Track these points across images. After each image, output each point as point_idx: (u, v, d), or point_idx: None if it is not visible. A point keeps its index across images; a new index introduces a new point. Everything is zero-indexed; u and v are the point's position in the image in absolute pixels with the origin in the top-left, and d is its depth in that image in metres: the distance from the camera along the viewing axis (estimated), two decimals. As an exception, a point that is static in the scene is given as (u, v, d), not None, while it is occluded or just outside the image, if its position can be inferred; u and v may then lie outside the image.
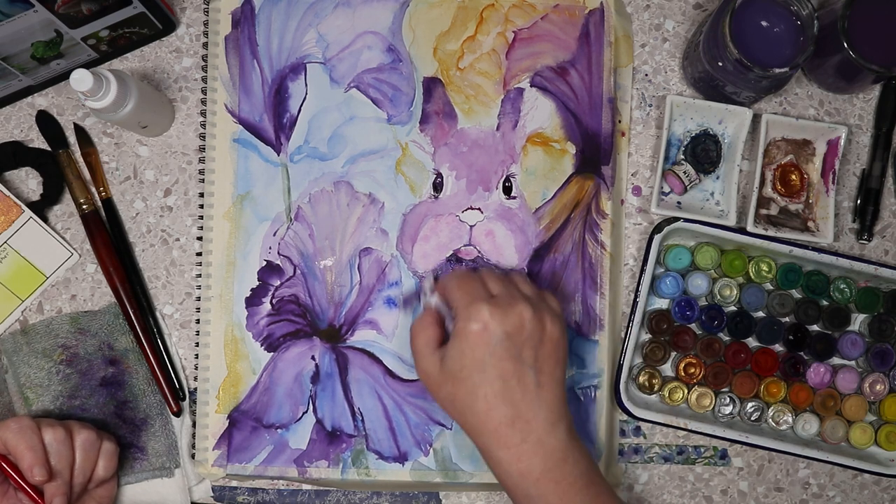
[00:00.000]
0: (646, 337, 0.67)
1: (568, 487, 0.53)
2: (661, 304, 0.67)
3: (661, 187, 0.67)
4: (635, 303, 0.65)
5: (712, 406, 0.66)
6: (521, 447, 0.53)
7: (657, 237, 0.64)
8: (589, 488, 0.54)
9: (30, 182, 0.66)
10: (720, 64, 0.61)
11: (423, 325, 0.57)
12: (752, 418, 0.66)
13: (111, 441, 0.60)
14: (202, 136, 0.65)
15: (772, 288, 0.67)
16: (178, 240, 0.66)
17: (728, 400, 0.66)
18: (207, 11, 0.66)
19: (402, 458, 0.64)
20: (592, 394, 0.65)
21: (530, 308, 0.54)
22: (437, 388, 0.55)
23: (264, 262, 0.64)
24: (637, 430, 0.67)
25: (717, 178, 0.67)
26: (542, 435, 0.53)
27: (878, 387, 0.67)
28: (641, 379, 0.66)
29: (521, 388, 0.53)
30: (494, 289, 0.56)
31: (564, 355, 0.56)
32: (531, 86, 0.66)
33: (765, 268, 0.66)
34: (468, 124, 0.66)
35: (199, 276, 0.65)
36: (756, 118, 0.66)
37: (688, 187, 0.67)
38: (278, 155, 0.65)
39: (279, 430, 0.64)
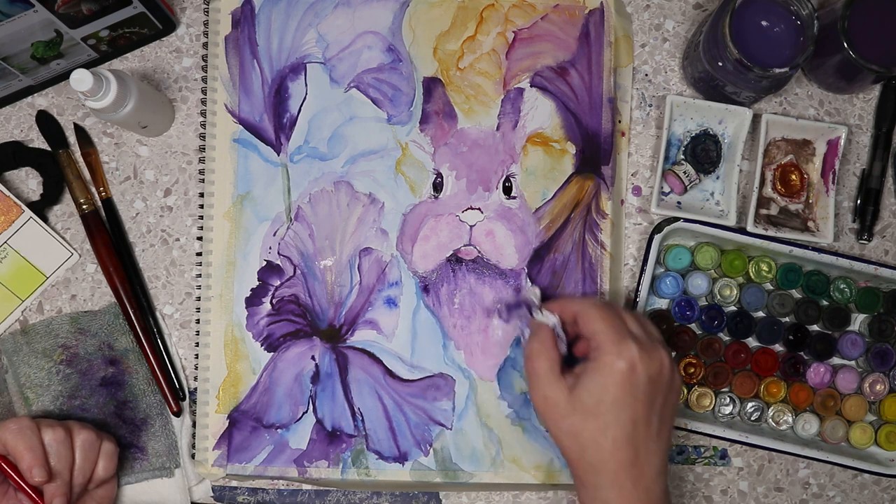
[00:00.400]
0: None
1: None
2: (661, 304, 0.67)
3: (661, 187, 0.67)
4: (635, 303, 0.65)
5: (712, 406, 0.66)
6: (631, 492, 0.53)
7: (657, 237, 0.64)
8: None
9: (30, 182, 0.66)
10: (720, 64, 0.61)
11: (543, 347, 0.55)
12: (752, 418, 0.66)
13: (111, 441, 0.60)
14: (202, 136, 0.65)
15: (772, 288, 0.67)
16: (178, 240, 0.66)
17: (728, 400, 0.66)
18: (207, 11, 0.66)
19: (402, 458, 0.64)
20: (592, 394, 0.65)
21: (668, 356, 0.55)
22: (561, 417, 0.54)
23: (264, 262, 0.64)
24: (637, 430, 0.67)
25: (717, 178, 0.67)
26: (650, 482, 0.53)
27: (878, 387, 0.67)
28: (641, 379, 0.66)
29: (645, 434, 0.53)
30: (633, 327, 0.55)
31: (678, 403, 0.57)
32: (531, 86, 0.66)
33: (765, 268, 0.66)
34: (468, 124, 0.66)
35: (199, 276, 0.65)
36: (756, 118, 0.66)
37: (688, 187, 0.67)
38: (278, 155, 0.65)
39: (279, 430, 0.64)
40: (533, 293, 0.60)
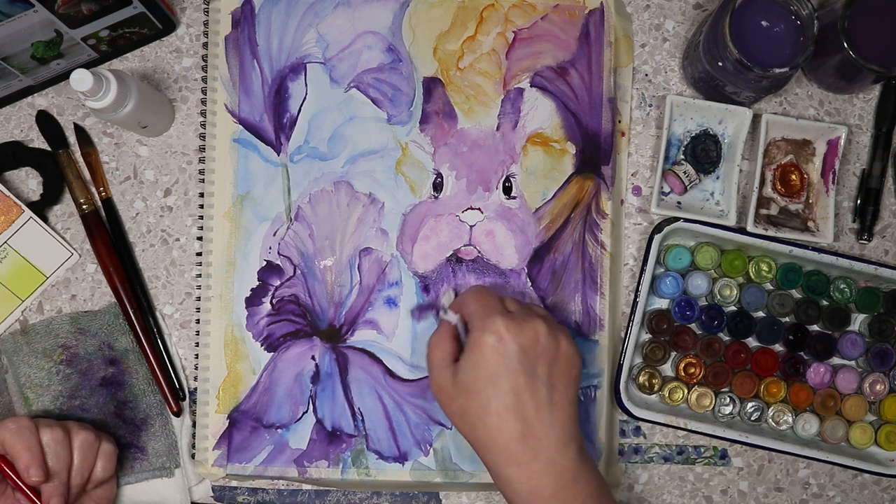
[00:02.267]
0: (646, 337, 0.67)
1: None
2: (661, 304, 0.67)
3: (661, 187, 0.67)
4: (635, 303, 0.65)
5: (712, 406, 0.66)
6: (531, 465, 0.52)
7: (657, 237, 0.64)
8: None
9: (30, 182, 0.66)
10: (720, 64, 0.61)
11: (439, 339, 0.56)
12: (752, 418, 0.66)
13: (110, 442, 0.60)
14: (202, 136, 0.65)
15: (772, 288, 0.67)
16: (178, 240, 0.66)
17: (728, 400, 0.66)
18: (207, 11, 0.66)
19: (402, 458, 0.64)
20: (592, 394, 0.65)
21: (545, 324, 0.54)
22: (450, 401, 0.55)
23: (264, 262, 0.64)
24: (637, 430, 0.67)
25: (717, 178, 0.67)
26: (553, 454, 0.52)
27: (878, 387, 0.67)
28: (641, 379, 0.66)
29: (534, 405, 0.53)
30: (511, 306, 0.56)
31: (578, 375, 0.56)
32: (531, 86, 0.66)
33: (765, 268, 0.66)
34: (468, 124, 0.66)
35: (199, 276, 0.65)
36: (756, 118, 0.66)
37: (688, 187, 0.67)
38: (278, 155, 0.65)
39: (279, 430, 0.64)
40: (446, 296, 0.61)
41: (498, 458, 0.53)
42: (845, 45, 0.60)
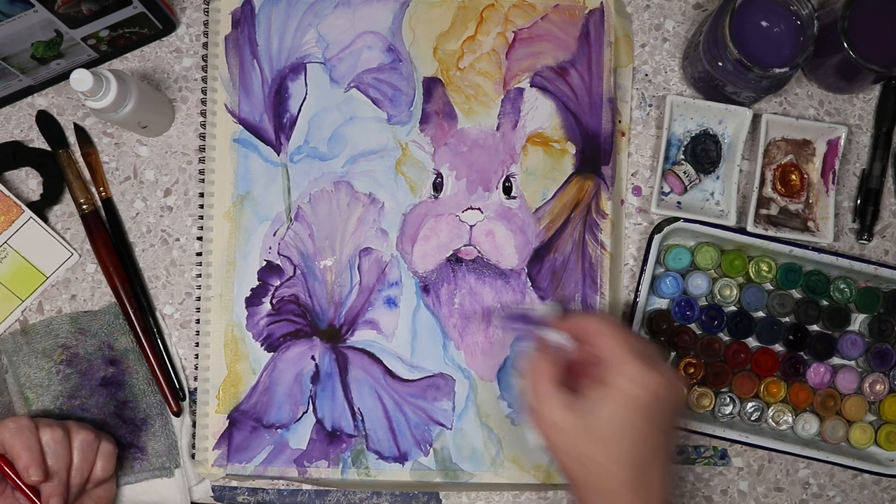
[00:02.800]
0: (646, 337, 0.67)
1: None
2: (661, 304, 0.67)
3: (661, 187, 0.67)
4: (635, 303, 0.65)
5: (712, 406, 0.66)
6: None
7: (657, 237, 0.64)
8: None
9: (30, 182, 0.66)
10: (720, 64, 0.61)
11: (545, 363, 0.52)
12: (752, 418, 0.66)
13: (109, 442, 0.60)
14: (202, 136, 0.65)
15: (772, 288, 0.67)
16: (178, 240, 0.66)
17: (728, 400, 0.66)
18: (207, 11, 0.66)
19: (402, 458, 0.64)
20: (592, 394, 0.65)
21: (673, 373, 0.52)
22: (572, 445, 0.50)
23: (264, 262, 0.64)
24: (637, 430, 0.67)
25: (717, 178, 0.67)
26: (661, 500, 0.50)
27: (878, 387, 0.67)
28: (641, 379, 0.66)
29: (657, 458, 0.51)
30: (641, 347, 0.52)
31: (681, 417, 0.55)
32: (531, 86, 0.66)
33: (765, 268, 0.66)
34: (468, 124, 0.66)
35: (199, 276, 0.65)
36: (756, 118, 0.66)
37: (688, 187, 0.67)
38: (278, 155, 0.65)
39: (279, 430, 0.64)
40: (551, 309, 0.57)
41: (605, 501, 0.50)
42: (845, 45, 0.60)
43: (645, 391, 0.49)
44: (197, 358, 0.64)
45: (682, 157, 0.67)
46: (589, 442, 0.50)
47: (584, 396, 0.50)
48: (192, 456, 0.64)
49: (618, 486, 0.49)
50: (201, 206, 0.65)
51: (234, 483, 0.65)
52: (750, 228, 0.65)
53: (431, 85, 0.66)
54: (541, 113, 0.66)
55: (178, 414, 0.64)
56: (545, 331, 0.54)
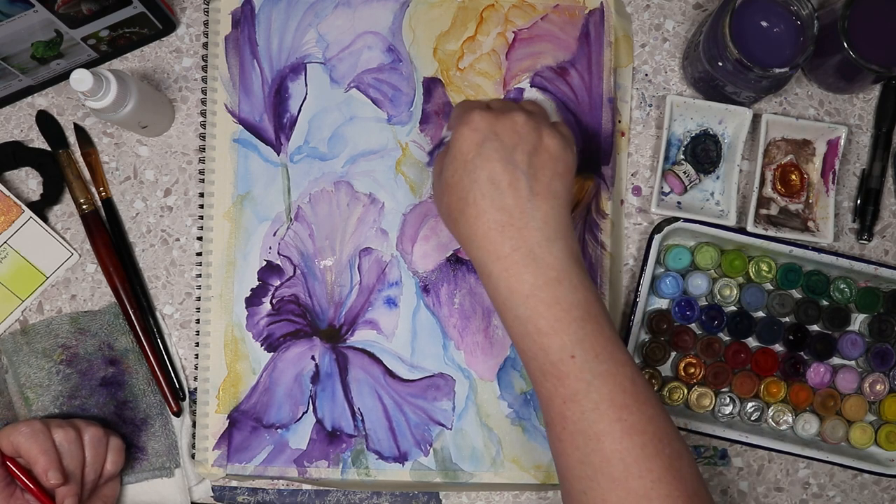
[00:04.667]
0: (646, 337, 0.67)
1: (562, 314, 0.49)
2: (661, 304, 0.67)
3: (661, 187, 0.67)
4: (635, 303, 0.65)
5: (712, 406, 0.66)
6: (511, 257, 0.49)
7: (657, 237, 0.64)
8: (587, 322, 0.49)
9: (30, 182, 0.66)
10: (720, 64, 0.61)
11: (439, 156, 0.55)
12: (752, 418, 0.66)
13: (117, 437, 0.60)
14: (202, 136, 0.65)
15: (772, 288, 0.67)
16: (178, 240, 0.66)
17: (728, 400, 0.66)
18: (207, 11, 0.66)
19: (402, 458, 0.64)
20: (592, 394, 0.65)
21: (524, 115, 0.52)
22: (438, 203, 0.54)
23: (264, 262, 0.64)
24: (637, 430, 0.67)
25: (717, 178, 0.67)
26: (534, 247, 0.49)
27: (878, 387, 0.67)
28: (641, 379, 0.66)
29: (512, 193, 0.50)
30: (494, 104, 0.54)
31: (565, 171, 0.52)
32: (531, 86, 0.66)
33: (765, 268, 0.66)
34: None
35: (199, 276, 0.65)
36: (756, 118, 0.66)
37: (688, 187, 0.67)
38: (278, 155, 0.65)
39: (279, 430, 0.64)
40: (445, 132, 0.59)
41: (479, 251, 0.51)
42: (845, 45, 0.60)
43: (468, 128, 0.51)
44: (197, 358, 0.64)
45: (682, 157, 0.67)
46: (444, 193, 0.52)
47: None
48: (192, 456, 0.64)
49: (473, 224, 0.50)
50: (201, 206, 0.65)
51: (234, 483, 0.65)
52: (750, 228, 0.65)
53: (431, 85, 0.66)
54: (541, 113, 0.66)
55: (178, 414, 0.64)
56: (444, 137, 0.56)
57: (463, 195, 0.51)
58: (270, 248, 0.65)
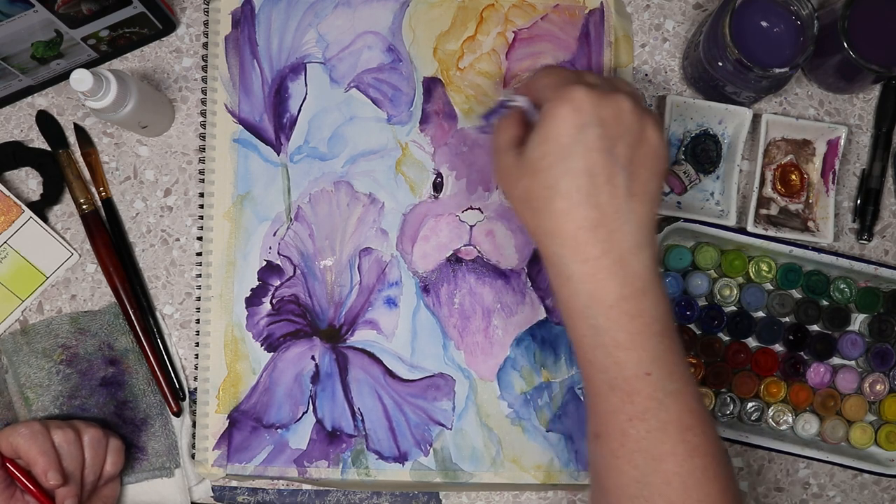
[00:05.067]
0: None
1: (643, 327, 0.45)
2: (661, 304, 0.67)
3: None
4: (635, 303, 0.64)
5: (712, 406, 0.66)
6: (599, 261, 0.45)
7: (657, 237, 0.64)
8: (665, 337, 0.46)
9: (30, 182, 0.66)
10: (720, 64, 0.61)
11: (507, 123, 0.49)
12: (752, 418, 0.66)
13: (116, 437, 0.60)
14: (202, 136, 0.65)
15: (772, 288, 0.67)
16: (178, 240, 0.66)
17: (728, 400, 0.66)
18: (207, 11, 0.66)
19: (402, 458, 0.64)
20: (592, 394, 0.65)
21: (632, 101, 0.46)
22: (513, 184, 0.47)
23: (264, 262, 0.64)
24: (637, 430, 0.67)
25: (717, 178, 0.67)
26: (624, 252, 0.45)
27: (878, 387, 0.67)
28: (641, 379, 0.66)
29: (609, 190, 0.45)
30: (591, 79, 0.48)
31: (663, 171, 0.47)
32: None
33: (765, 268, 0.66)
34: (468, 124, 0.66)
35: (199, 276, 0.65)
36: (756, 118, 0.66)
37: (688, 187, 0.67)
38: (278, 155, 0.65)
39: (279, 430, 0.64)
40: (505, 92, 0.54)
41: (563, 249, 0.45)
42: (845, 45, 0.60)
43: (570, 106, 0.45)
44: (197, 358, 0.64)
45: (682, 157, 0.67)
46: (525, 175, 0.46)
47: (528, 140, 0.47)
48: (192, 456, 0.64)
49: (561, 218, 0.45)
50: (201, 206, 0.65)
51: (234, 483, 0.65)
52: (750, 228, 0.65)
53: (431, 85, 0.66)
54: (541, 113, 0.66)
55: (178, 414, 0.64)
56: (508, 100, 0.52)
57: (552, 183, 0.45)
58: (270, 248, 0.65)
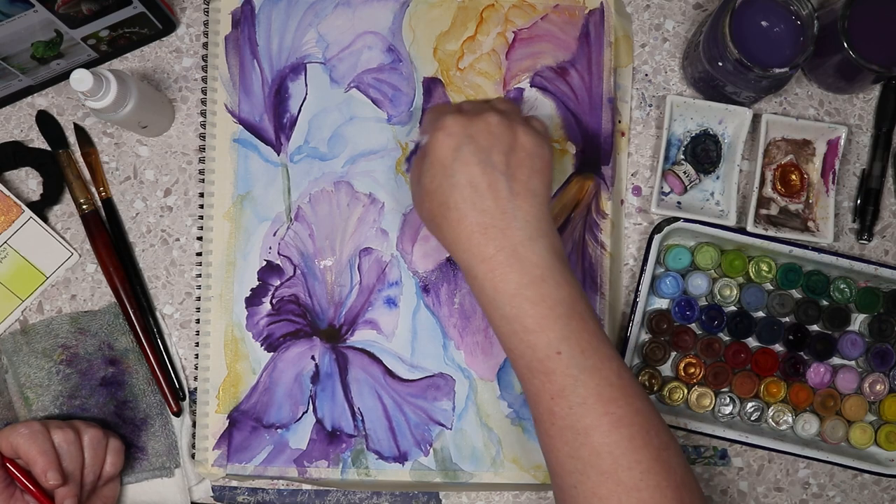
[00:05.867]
0: (646, 337, 0.67)
1: (547, 311, 0.49)
2: (661, 304, 0.67)
3: (661, 187, 0.67)
4: (635, 303, 0.65)
5: (712, 406, 0.66)
6: (495, 258, 0.49)
7: (657, 237, 0.64)
8: (572, 318, 0.49)
9: (30, 182, 0.66)
10: (720, 64, 0.61)
11: (416, 161, 0.54)
12: (752, 418, 0.66)
13: (116, 438, 0.60)
14: (202, 136, 0.65)
15: (772, 288, 0.67)
16: (178, 240, 0.66)
17: (728, 400, 0.66)
18: (207, 11, 0.66)
19: (401, 458, 0.64)
20: (592, 394, 0.65)
21: (497, 115, 0.52)
22: (420, 209, 0.54)
23: (264, 262, 0.64)
24: (637, 430, 0.67)
25: (717, 178, 0.67)
26: (517, 246, 0.50)
27: (878, 387, 0.67)
28: (641, 379, 0.66)
29: (492, 195, 0.50)
30: (465, 106, 0.54)
31: (542, 168, 0.52)
32: (531, 86, 0.66)
33: (765, 268, 0.66)
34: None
35: (199, 276, 0.65)
36: (756, 118, 0.66)
37: (688, 187, 0.67)
38: (278, 155, 0.65)
39: (279, 430, 0.64)
40: (418, 136, 0.59)
41: (465, 254, 0.51)
42: (845, 45, 0.60)
43: (442, 133, 0.51)
44: (197, 358, 0.64)
45: (682, 157, 0.67)
46: (425, 199, 0.52)
47: None
48: (192, 456, 0.64)
49: (456, 227, 0.50)
50: (201, 206, 0.65)
51: (234, 483, 0.65)
52: (750, 228, 0.65)
53: (431, 85, 0.66)
54: (541, 113, 0.66)
55: (178, 414, 0.64)
56: (418, 141, 0.57)
57: (443, 200, 0.51)
58: (270, 248, 0.65)
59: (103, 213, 0.65)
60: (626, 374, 0.50)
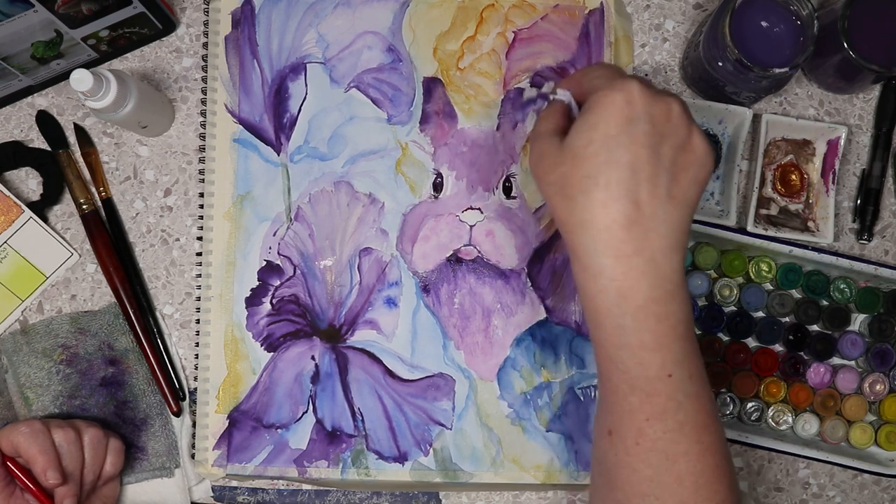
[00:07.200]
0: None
1: (669, 330, 0.45)
2: (661, 304, 0.67)
3: (661, 187, 0.67)
4: (635, 303, 0.64)
5: (712, 406, 0.66)
6: (631, 260, 0.43)
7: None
8: (687, 340, 0.45)
9: (30, 182, 0.66)
10: (720, 64, 0.61)
11: (550, 112, 0.48)
12: (752, 418, 0.66)
13: (116, 438, 0.61)
14: (202, 136, 0.65)
15: (772, 288, 0.67)
16: (178, 240, 0.66)
17: (728, 400, 0.66)
18: (207, 11, 0.66)
19: (402, 458, 0.64)
20: (592, 394, 0.65)
21: (681, 105, 0.45)
22: (549, 169, 0.46)
23: (264, 262, 0.64)
24: (637, 430, 0.67)
25: (717, 178, 0.67)
26: (656, 254, 0.44)
27: (878, 387, 0.67)
28: (641, 379, 0.66)
29: (649, 189, 0.44)
30: (648, 81, 0.48)
31: (703, 179, 0.46)
32: (531, 86, 0.66)
33: (765, 268, 0.66)
34: (468, 124, 0.66)
35: (199, 276, 0.65)
36: (756, 118, 0.66)
37: (688, 187, 0.67)
38: (278, 155, 0.65)
39: (279, 430, 0.64)
40: (547, 86, 0.53)
41: (593, 242, 0.44)
42: (845, 45, 0.60)
43: (622, 96, 0.44)
44: (197, 358, 0.64)
45: (682, 157, 0.67)
46: (564, 161, 0.45)
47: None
48: (192, 456, 0.64)
49: (597, 209, 0.44)
50: (201, 206, 0.65)
51: (234, 483, 0.65)
52: (750, 228, 0.65)
53: (431, 85, 0.66)
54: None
55: (178, 414, 0.64)
56: (550, 93, 0.51)
57: (592, 173, 0.44)
58: (270, 248, 0.65)
59: (103, 213, 0.65)
60: (715, 400, 0.48)
